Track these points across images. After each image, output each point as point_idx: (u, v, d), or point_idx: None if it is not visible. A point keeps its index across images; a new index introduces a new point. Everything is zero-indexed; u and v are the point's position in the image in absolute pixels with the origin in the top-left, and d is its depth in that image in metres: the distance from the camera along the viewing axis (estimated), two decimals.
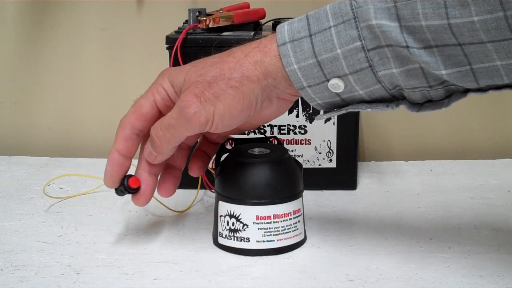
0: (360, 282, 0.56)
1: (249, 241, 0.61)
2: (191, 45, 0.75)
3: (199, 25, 0.76)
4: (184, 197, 0.76)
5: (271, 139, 0.68)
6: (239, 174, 0.61)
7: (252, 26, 0.79)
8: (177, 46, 0.73)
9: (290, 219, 0.61)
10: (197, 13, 0.76)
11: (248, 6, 0.85)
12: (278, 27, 0.55)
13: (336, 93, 0.54)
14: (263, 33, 0.78)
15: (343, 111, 0.56)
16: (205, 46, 0.75)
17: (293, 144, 0.78)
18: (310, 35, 0.52)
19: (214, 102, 0.54)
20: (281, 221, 0.61)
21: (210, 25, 0.76)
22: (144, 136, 0.60)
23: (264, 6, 0.83)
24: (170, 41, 0.75)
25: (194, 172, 0.63)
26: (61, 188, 0.81)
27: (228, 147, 0.65)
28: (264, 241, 0.61)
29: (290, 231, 0.62)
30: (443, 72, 0.49)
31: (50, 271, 0.58)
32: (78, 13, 0.95)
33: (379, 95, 0.53)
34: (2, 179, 0.84)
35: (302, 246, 0.63)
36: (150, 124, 0.58)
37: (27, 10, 0.95)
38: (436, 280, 0.56)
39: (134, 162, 0.61)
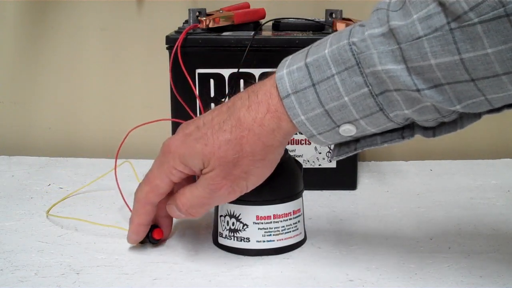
0: (360, 282, 0.56)
1: (249, 241, 0.61)
2: (191, 45, 0.75)
3: (199, 25, 0.76)
4: None
5: None
6: None
7: (252, 26, 0.79)
8: (177, 46, 0.73)
9: (290, 219, 0.61)
10: (197, 13, 0.76)
11: (248, 6, 0.85)
12: (277, 77, 0.53)
13: (348, 136, 0.53)
14: (263, 33, 0.78)
15: (358, 150, 0.55)
16: (205, 46, 0.75)
17: (293, 144, 0.78)
18: (313, 85, 0.51)
19: (245, 178, 0.55)
20: (281, 221, 0.61)
21: (210, 25, 0.76)
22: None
23: (264, 6, 0.83)
24: (170, 41, 0.75)
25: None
26: (61, 188, 0.81)
27: None
28: (264, 241, 0.61)
29: (290, 231, 0.62)
30: (458, 106, 0.48)
31: (50, 271, 0.58)
32: (78, 13, 0.95)
33: (391, 127, 0.52)
34: (2, 179, 0.84)
35: (302, 246, 0.63)
36: (165, 196, 0.60)
37: (27, 10, 0.95)
38: (436, 280, 0.56)
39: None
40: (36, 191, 0.80)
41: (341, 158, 0.56)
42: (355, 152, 0.55)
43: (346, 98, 0.50)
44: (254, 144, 0.54)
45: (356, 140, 0.55)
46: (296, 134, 0.77)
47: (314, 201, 0.75)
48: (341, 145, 0.55)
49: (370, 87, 0.49)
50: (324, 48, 0.51)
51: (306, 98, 0.51)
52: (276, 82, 0.53)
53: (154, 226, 0.62)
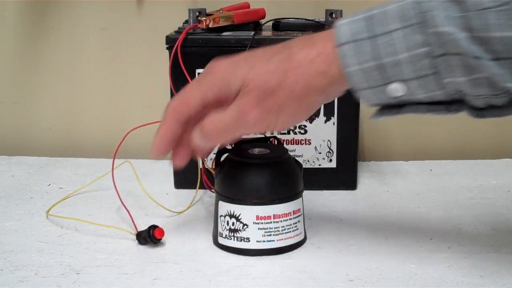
0: (360, 282, 0.56)
1: (249, 241, 0.61)
2: (191, 45, 0.75)
3: (199, 25, 0.76)
4: (183, 197, 0.76)
5: (271, 139, 0.68)
6: (239, 174, 0.61)
7: (252, 26, 0.79)
8: (177, 46, 0.73)
9: (290, 219, 0.61)
10: (197, 13, 0.76)
11: (248, 6, 0.85)
12: (336, 25, 0.52)
13: (394, 97, 0.52)
14: (263, 33, 0.78)
15: (401, 114, 0.53)
16: (205, 46, 0.75)
17: (293, 144, 0.78)
18: (372, 37, 0.50)
19: (277, 112, 0.53)
20: (281, 221, 0.61)
21: (210, 25, 0.76)
22: (188, 121, 0.58)
23: (264, 6, 0.83)
24: (170, 41, 0.75)
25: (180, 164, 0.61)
26: (61, 188, 0.81)
27: (228, 147, 0.65)
28: (264, 241, 0.61)
29: (290, 231, 0.62)
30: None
31: (50, 271, 0.58)
32: (78, 13, 0.95)
33: (439, 99, 0.51)
34: (2, 179, 0.84)
35: (302, 246, 0.63)
36: (195, 114, 0.57)
37: (27, 10, 0.96)
38: (436, 280, 0.56)
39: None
40: (36, 191, 0.80)
41: (381, 118, 0.54)
42: (396, 115, 0.53)
43: (402, 55, 0.49)
44: (298, 79, 0.52)
45: (400, 106, 0.53)
46: (296, 134, 0.77)
47: (314, 201, 0.75)
48: (383, 109, 0.54)
49: (429, 47, 0.48)
50: (387, 5, 0.50)
51: (362, 49, 0.50)
52: (334, 29, 0.52)
53: (154, 226, 0.63)
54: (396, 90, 0.51)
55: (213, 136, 0.56)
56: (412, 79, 0.50)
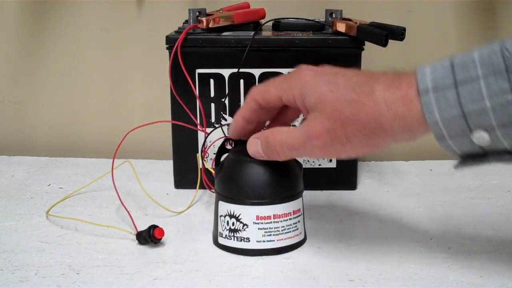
0: (360, 282, 0.56)
1: (249, 241, 0.61)
2: (191, 45, 0.75)
3: (199, 25, 0.76)
4: (183, 197, 0.76)
5: None
6: (239, 174, 0.61)
7: (252, 26, 0.79)
8: (177, 46, 0.73)
9: (290, 219, 0.61)
10: (197, 13, 0.76)
11: (248, 6, 0.85)
12: (419, 69, 0.51)
13: (479, 146, 0.50)
14: (263, 33, 0.78)
15: (484, 163, 0.52)
16: (205, 46, 0.75)
17: None
18: (456, 84, 0.49)
19: (343, 143, 0.53)
20: (281, 221, 0.61)
21: (210, 25, 0.76)
22: (264, 109, 0.60)
23: (264, 6, 0.83)
24: (170, 41, 0.75)
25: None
26: (61, 188, 0.81)
27: (228, 147, 0.65)
28: (264, 241, 0.61)
29: (290, 231, 0.62)
30: None
31: (50, 271, 0.58)
32: (78, 13, 0.95)
33: None
34: (2, 179, 0.84)
35: (302, 246, 0.63)
36: (268, 108, 0.59)
37: (27, 10, 0.96)
38: (436, 280, 0.56)
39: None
40: (36, 191, 0.80)
41: (464, 168, 0.53)
42: (480, 164, 0.52)
43: (487, 103, 0.48)
44: (372, 118, 0.52)
45: (483, 155, 0.52)
46: None
47: (314, 201, 0.75)
48: (467, 158, 0.53)
49: None
50: (473, 52, 0.49)
51: (446, 97, 0.49)
52: (418, 73, 0.51)
53: (154, 226, 0.63)
54: (481, 138, 0.50)
55: (277, 152, 0.58)
56: (496, 127, 0.49)
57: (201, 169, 0.71)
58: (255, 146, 0.59)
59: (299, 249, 0.63)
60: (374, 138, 0.53)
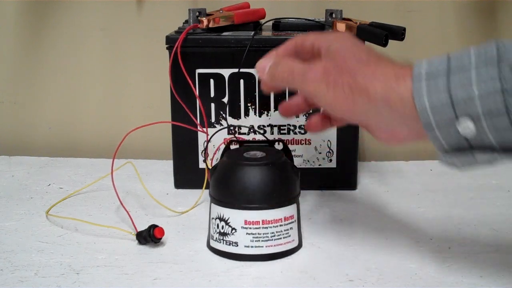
0: (360, 282, 0.56)
1: (237, 245, 0.60)
2: (191, 45, 0.75)
3: (199, 25, 0.76)
4: (184, 197, 0.76)
5: (278, 142, 0.67)
6: (230, 177, 0.60)
7: (252, 26, 0.79)
8: (177, 46, 0.73)
9: (280, 225, 0.60)
10: (197, 13, 0.76)
11: (248, 6, 0.85)
12: (418, 60, 0.52)
13: (465, 138, 0.50)
14: (263, 33, 0.78)
15: (468, 155, 0.51)
16: (205, 46, 0.75)
17: (293, 144, 0.78)
18: (448, 73, 0.49)
19: (328, 87, 0.54)
20: (271, 227, 0.59)
21: (210, 25, 0.76)
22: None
23: (264, 6, 0.83)
24: (170, 41, 0.75)
25: (309, 127, 0.64)
26: (61, 188, 0.81)
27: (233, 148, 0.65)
28: (252, 247, 0.60)
29: (280, 238, 0.60)
30: None
31: (50, 271, 0.58)
32: (78, 13, 0.95)
33: (510, 143, 0.49)
34: (2, 179, 0.84)
35: (303, 246, 0.63)
36: (302, 53, 0.60)
37: (27, 10, 0.96)
38: (436, 280, 0.56)
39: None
40: (36, 191, 0.80)
41: (449, 161, 0.53)
42: (468, 161, 0.51)
43: (475, 90, 0.48)
44: (366, 76, 0.53)
45: (471, 150, 0.51)
46: (296, 134, 0.77)
47: (314, 201, 0.75)
48: (458, 152, 0.52)
49: (503, 82, 0.47)
50: (471, 47, 0.50)
51: (437, 84, 0.49)
52: (415, 63, 0.52)
53: (154, 226, 0.62)
54: (466, 128, 0.49)
55: (280, 75, 0.58)
56: (482, 116, 0.48)
57: (205, 169, 0.71)
58: (266, 62, 0.60)
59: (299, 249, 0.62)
60: (356, 97, 0.53)
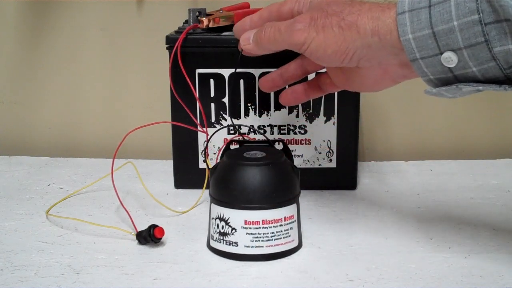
0: (360, 282, 0.56)
1: (237, 245, 0.60)
2: (191, 45, 0.75)
3: (199, 25, 0.76)
4: (184, 197, 0.76)
5: (278, 142, 0.67)
6: (230, 177, 0.60)
7: None
8: (177, 46, 0.73)
9: (280, 225, 0.60)
10: (197, 13, 0.76)
11: (248, 6, 0.84)
12: None
13: (449, 69, 0.52)
14: None
15: (453, 87, 0.53)
16: (205, 46, 0.75)
17: (293, 144, 0.78)
18: (430, 6, 0.51)
19: (318, 31, 0.56)
20: (271, 227, 0.59)
21: (210, 25, 0.76)
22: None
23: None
24: (170, 41, 0.75)
25: (283, 98, 0.69)
26: (61, 188, 0.81)
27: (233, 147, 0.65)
28: (252, 247, 0.59)
29: (280, 238, 0.60)
30: None
31: (50, 271, 0.58)
32: (78, 13, 0.95)
33: (493, 75, 0.51)
34: (2, 179, 0.84)
35: (303, 246, 0.63)
36: (279, 20, 0.62)
37: (27, 10, 0.96)
38: (436, 280, 0.56)
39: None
40: (36, 191, 0.80)
41: (435, 92, 0.54)
42: (451, 91, 0.54)
43: (455, 23, 0.50)
44: (352, 13, 0.55)
45: (456, 82, 0.54)
46: (296, 134, 0.77)
47: (314, 201, 0.75)
48: (445, 86, 0.54)
49: (480, 14, 0.49)
50: None
51: (419, 17, 0.52)
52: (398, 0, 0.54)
53: (154, 226, 0.62)
54: (449, 59, 0.52)
55: (265, 34, 0.60)
56: (463, 48, 0.51)
57: (206, 169, 0.71)
58: (249, 34, 0.62)
59: (299, 249, 0.62)
60: (347, 33, 0.55)
